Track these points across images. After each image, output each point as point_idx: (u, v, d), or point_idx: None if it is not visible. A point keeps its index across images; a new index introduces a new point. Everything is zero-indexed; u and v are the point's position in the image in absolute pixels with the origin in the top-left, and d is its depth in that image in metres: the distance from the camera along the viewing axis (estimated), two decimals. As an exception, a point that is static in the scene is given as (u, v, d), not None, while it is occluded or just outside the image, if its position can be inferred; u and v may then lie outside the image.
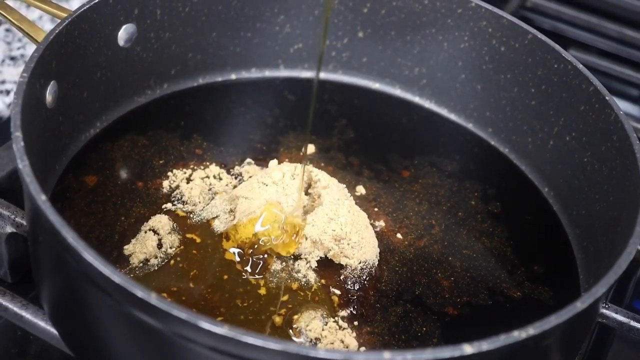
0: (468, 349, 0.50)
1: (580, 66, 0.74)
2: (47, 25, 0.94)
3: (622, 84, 1.03)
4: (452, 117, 0.84)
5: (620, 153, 0.68)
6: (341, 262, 0.67)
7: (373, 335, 0.63)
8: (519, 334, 0.51)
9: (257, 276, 0.66)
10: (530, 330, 0.51)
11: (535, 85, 0.78)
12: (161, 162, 0.74)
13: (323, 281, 0.66)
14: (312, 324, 0.62)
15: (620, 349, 0.74)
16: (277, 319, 0.63)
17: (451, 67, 0.83)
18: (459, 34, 0.81)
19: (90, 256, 0.51)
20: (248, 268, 0.66)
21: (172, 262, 0.65)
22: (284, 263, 0.67)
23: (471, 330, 0.64)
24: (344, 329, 0.63)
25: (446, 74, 0.83)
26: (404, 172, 0.78)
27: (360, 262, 0.67)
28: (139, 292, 0.50)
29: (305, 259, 0.67)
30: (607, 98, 0.71)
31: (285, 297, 0.64)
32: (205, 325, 0.49)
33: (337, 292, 0.66)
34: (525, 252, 0.72)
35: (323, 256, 0.67)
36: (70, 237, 0.52)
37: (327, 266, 0.67)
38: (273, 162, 0.73)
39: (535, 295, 0.69)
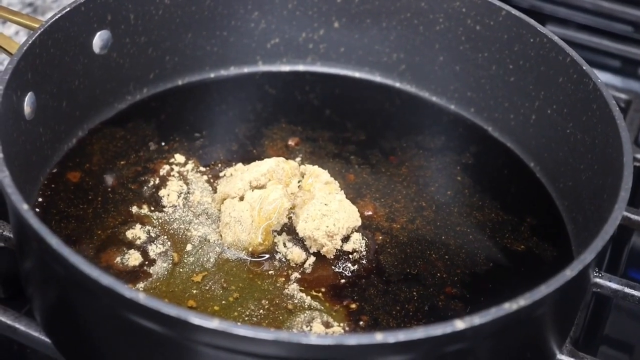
0: (460, 324, 0.50)
1: (556, 38, 0.74)
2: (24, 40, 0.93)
3: (602, 56, 1.03)
4: (434, 99, 0.84)
5: (601, 121, 0.68)
6: (334, 256, 0.67)
7: (372, 321, 0.63)
8: (509, 306, 0.51)
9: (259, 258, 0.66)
10: (521, 302, 0.51)
11: (513, 62, 0.78)
12: (144, 166, 0.74)
13: (319, 272, 0.66)
14: (307, 315, 0.63)
15: (618, 318, 0.74)
16: (279, 313, 0.63)
17: (429, 50, 0.83)
18: (433, 17, 0.81)
19: (76, 260, 0.51)
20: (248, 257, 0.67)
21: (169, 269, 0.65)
22: (281, 258, 0.67)
23: (472, 306, 0.64)
24: (341, 316, 0.63)
25: (424, 57, 0.83)
26: (391, 157, 0.78)
27: (354, 252, 0.67)
28: (127, 293, 0.50)
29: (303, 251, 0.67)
30: (584, 68, 0.71)
31: (284, 290, 0.65)
32: (196, 320, 0.49)
33: (334, 282, 0.66)
34: (517, 225, 0.72)
35: (316, 251, 0.67)
36: (55, 243, 0.52)
37: (322, 258, 0.67)
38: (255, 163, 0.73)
39: (531, 269, 0.69)
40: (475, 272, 0.68)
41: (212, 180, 0.73)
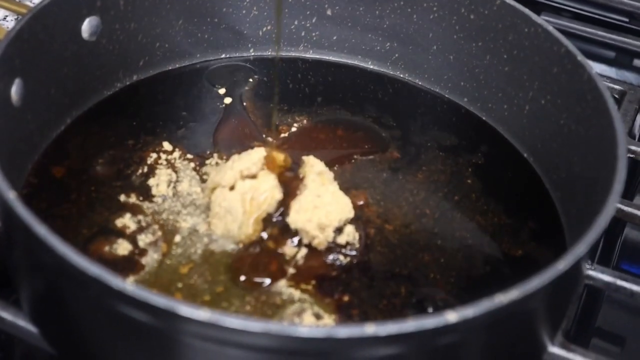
0: (452, 317, 0.49)
1: (551, 28, 0.73)
2: (12, 26, 0.92)
3: (597, 47, 1.03)
4: (427, 88, 0.83)
5: (596, 112, 0.68)
6: (326, 248, 0.66)
7: (364, 314, 0.62)
8: (502, 299, 0.51)
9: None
10: (513, 294, 0.51)
11: (507, 51, 0.77)
12: (131, 153, 0.73)
13: (310, 264, 0.65)
14: (297, 306, 0.62)
15: (609, 311, 0.74)
16: (269, 305, 0.62)
17: (422, 39, 0.82)
18: (427, 5, 0.80)
19: (64, 250, 0.50)
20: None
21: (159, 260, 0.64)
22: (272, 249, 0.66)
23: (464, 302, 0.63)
24: (332, 309, 0.62)
25: (418, 46, 0.83)
26: (386, 146, 0.77)
27: (347, 245, 0.67)
28: (115, 283, 0.49)
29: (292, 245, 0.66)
30: (579, 58, 0.70)
31: (272, 284, 0.64)
32: (185, 311, 0.48)
33: (325, 274, 0.65)
34: (514, 222, 0.71)
35: (307, 243, 0.66)
36: (43, 231, 0.51)
37: (313, 250, 0.66)
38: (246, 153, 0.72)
39: (528, 265, 0.67)
40: (470, 275, 0.67)
41: (198, 169, 0.72)
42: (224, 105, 0.80)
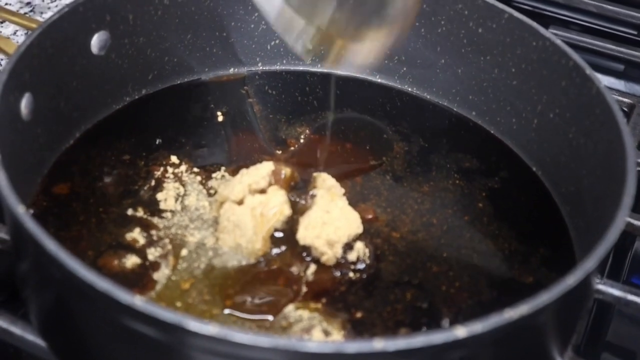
0: (461, 332, 0.49)
1: (559, 42, 0.73)
2: (22, 40, 0.93)
3: (605, 59, 1.02)
4: (436, 102, 0.83)
5: (604, 126, 0.67)
6: (334, 265, 0.66)
7: (372, 329, 0.62)
8: (511, 314, 0.50)
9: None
10: (523, 310, 0.51)
11: (516, 65, 0.77)
12: (139, 167, 0.73)
13: (319, 280, 0.65)
14: (306, 323, 0.62)
15: (620, 325, 0.73)
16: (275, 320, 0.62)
17: (430, 53, 0.82)
18: (435, 19, 0.81)
19: (72, 264, 0.50)
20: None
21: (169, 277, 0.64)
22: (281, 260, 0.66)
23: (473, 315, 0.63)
24: (341, 325, 0.62)
25: (426, 60, 0.83)
26: (394, 159, 0.77)
27: (357, 261, 0.66)
28: (123, 298, 0.49)
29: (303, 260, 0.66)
30: (587, 72, 0.70)
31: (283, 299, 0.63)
32: (193, 326, 0.48)
33: (334, 290, 0.64)
34: (525, 239, 0.70)
35: (316, 259, 0.66)
36: (52, 246, 0.51)
37: (322, 266, 0.66)
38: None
39: (538, 283, 0.67)
40: (479, 289, 0.66)
41: (204, 182, 0.72)
42: (232, 119, 0.80)
